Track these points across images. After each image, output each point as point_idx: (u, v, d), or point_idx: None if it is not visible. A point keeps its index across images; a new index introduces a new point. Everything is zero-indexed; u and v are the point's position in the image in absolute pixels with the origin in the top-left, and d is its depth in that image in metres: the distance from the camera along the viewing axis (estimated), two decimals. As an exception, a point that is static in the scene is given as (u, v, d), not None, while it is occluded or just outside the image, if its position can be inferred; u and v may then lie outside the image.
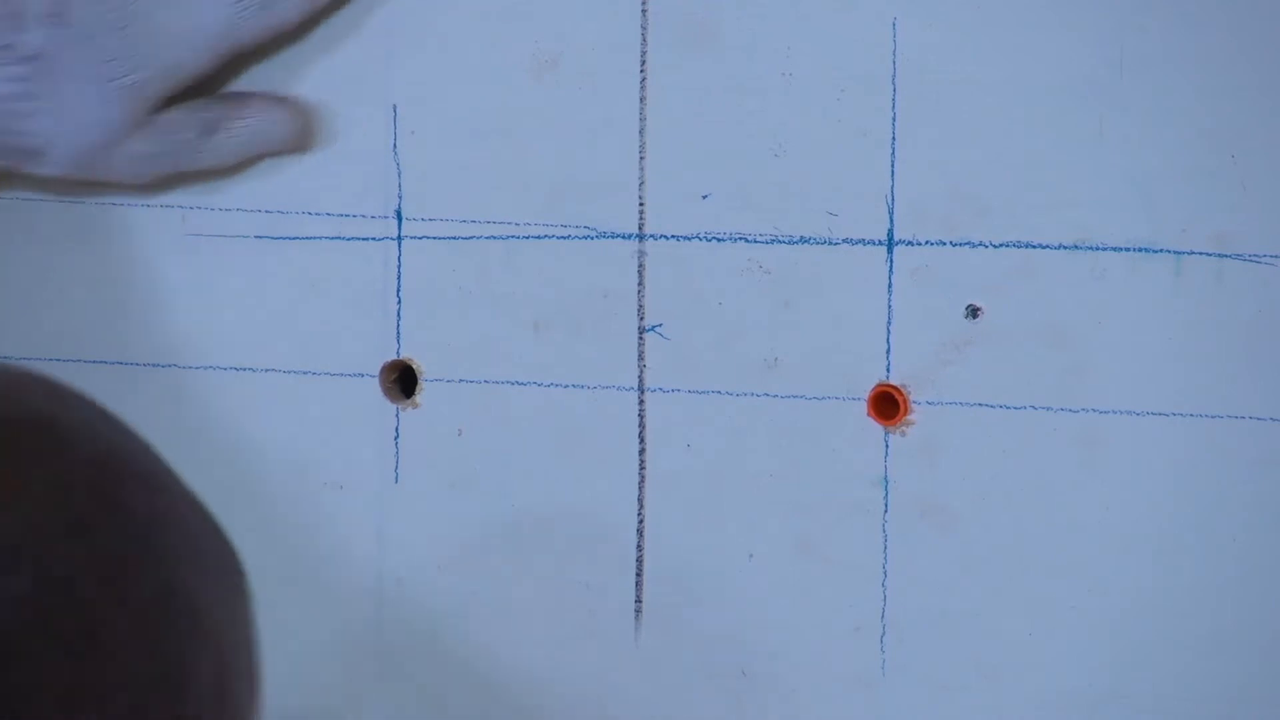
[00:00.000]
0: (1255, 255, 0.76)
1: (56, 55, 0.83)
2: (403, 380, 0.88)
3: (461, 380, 0.86)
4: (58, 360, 0.92)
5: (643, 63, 0.83)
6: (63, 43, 0.83)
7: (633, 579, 0.86)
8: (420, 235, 0.87)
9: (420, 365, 0.87)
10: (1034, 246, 0.79)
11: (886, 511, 0.82)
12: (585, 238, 0.85)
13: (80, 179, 0.88)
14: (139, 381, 0.91)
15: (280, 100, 0.87)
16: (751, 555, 0.84)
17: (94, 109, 0.84)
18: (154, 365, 0.91)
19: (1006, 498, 0.80)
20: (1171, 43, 0.76)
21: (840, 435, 0.82)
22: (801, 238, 0.82)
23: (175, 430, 0.91)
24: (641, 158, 0.84)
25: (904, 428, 0.81)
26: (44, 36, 0.83)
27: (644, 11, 0.83)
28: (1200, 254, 0.77)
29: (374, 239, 0.88)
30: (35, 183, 0.90)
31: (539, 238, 0.85)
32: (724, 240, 0.83)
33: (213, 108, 0.87)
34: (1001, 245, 0.79)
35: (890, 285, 0.81)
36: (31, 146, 0.85)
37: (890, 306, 0.81)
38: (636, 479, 0.85)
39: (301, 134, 0.88)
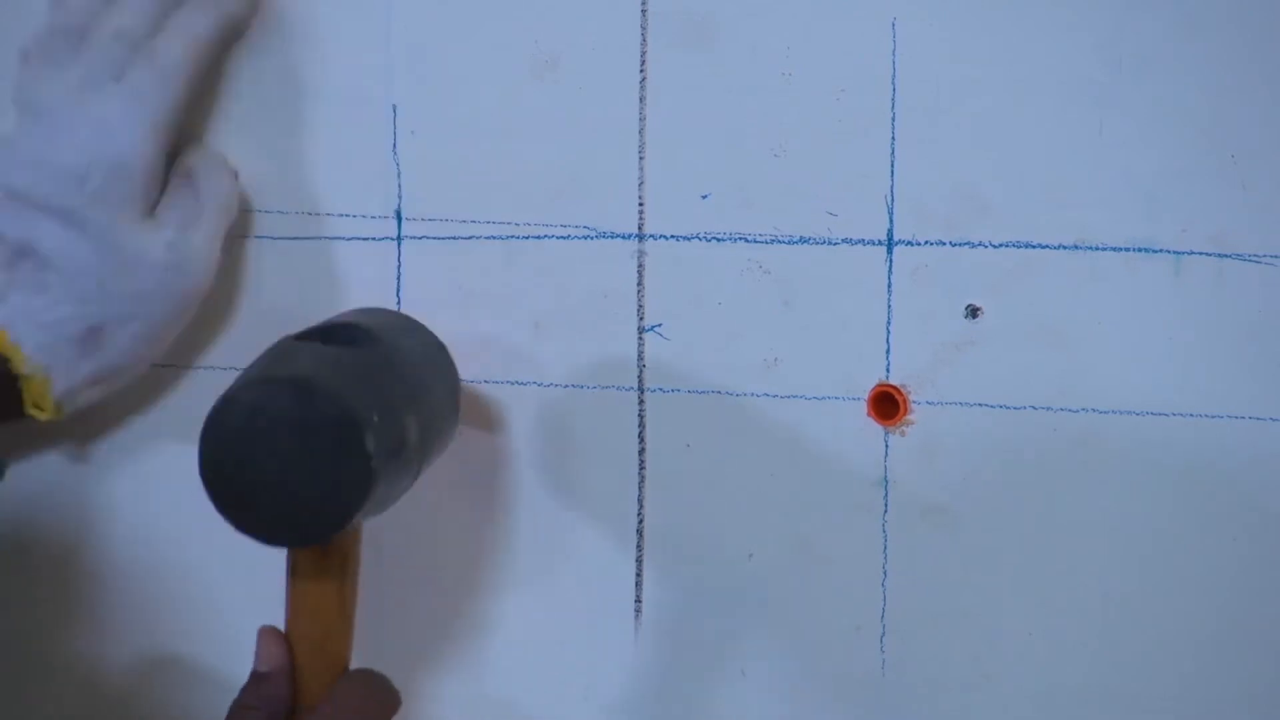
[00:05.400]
0: (1255, 255, 0.76)
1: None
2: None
3: (461, 380, 0.86)
4: (58, 360, 0.92)
5: (643, 63, 0.83)
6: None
7: (633, 579, 0.86)
8: (420, 235, 0.87)
9: (420, 365, 0.87)
10: (1034, 246, 0.79)
11: (886, 511, 0.82)
12: (585, 238, 0.85)
13: (164, 318, 0.87)
14: (139, 381, 0.91)
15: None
16: (751, 555, 0.84)
17: (82, 249, 0.84)
18: (154, 365, 0.90)
19: (1006, 498, 0.80)
20: (1171, 43, 0.76)
21: (840, 435, 0.82)
22: (801, 238, 0.82)
23: (176, 430, 0.91)
24: (641, 158, 0.84)
25: (904, 428, 0.81)
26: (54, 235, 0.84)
27: (644, 11, 0.83)
28: (1200, 254, 0.77)
29: (374, 239, 0.88)
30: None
31: (539, 238, 0.85)
32: (724, 240, 0.83)
33: (176, 169, 0.87)
34: (1001, 245, 0.79)
35: (890, 285, 0.81)
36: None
37: (890, 306, 0.81)
38: (636, 479, 0.85)
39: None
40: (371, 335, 0.79)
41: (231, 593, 0.91)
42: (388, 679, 0.78)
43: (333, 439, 0.73)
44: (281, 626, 0.78)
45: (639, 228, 0.84)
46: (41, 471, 0.94)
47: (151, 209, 0.86)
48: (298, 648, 0.78)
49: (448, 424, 0.82)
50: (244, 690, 0.77)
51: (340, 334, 0.79)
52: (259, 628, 0.78)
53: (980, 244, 0.79)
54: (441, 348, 0.83)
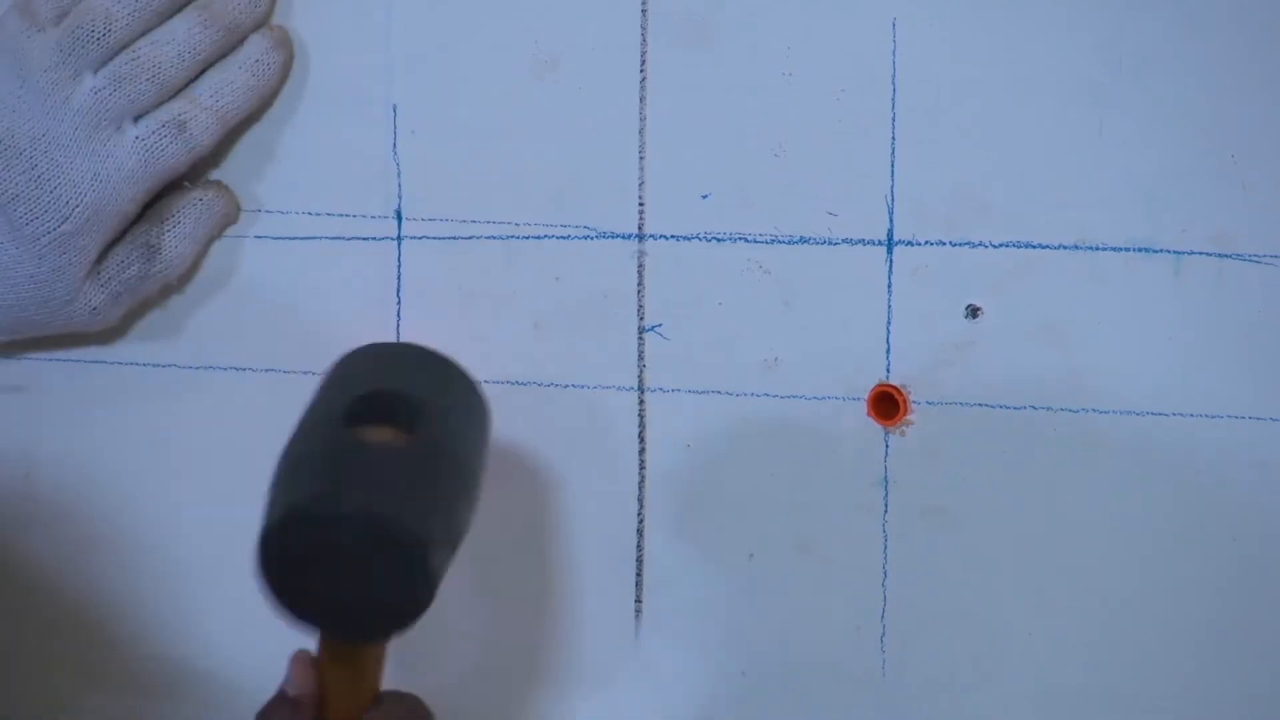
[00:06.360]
0: (1255, 255, 0.76)
1: None
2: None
3: (462, 380, 0.86)
4: (59, 360, 0.92)
5: (643, 63, 0.83)
6: None
7: (633, 579, 0.86)
8: (420, 235, 0.87)
9: (420, 365, 0.87)
10: (1034, 246, 0.79)
11: (886, 511, 0.82)
12: (585, 238, 0.85)
13: (35, 336, 0.88)
14: (139, 381, 0.91)
15: (205, 185, 0.87)
16: (751, 555, 0.84)
17: (24, 267, 0.83)
18: (154, 365, 0.91)
19: (1006, 498, 0.80)
20: (1171, 43, 0.76)
21: (840, 435, 0.82)
22: (801, 238, 0.82)
23: (176, 430, 0.91)
24: (641, 158, 0.84)
25: (904, 428, 0.81)
26: None
27: (644, 11, 0.83)
28: (1200, 254, 0.77)
29: (374, 239, 0.88)
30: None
31: (539, 238, 0.85)
32: (724, 240, 0.83)
33: (145, 229, 0.86)
34: (1001, 245, 0.79)
35: (890, 285, 0.81)
36: None
37: (890, 306, 0.81)
38: (636, 479, 0.85)
39: (231, 199, 0.88)
40: (423, 412, 0.76)
41: (235, 596, 0.91)
42: (422, 704, 0.78)
43: (399, 563, 0.72)
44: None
45: (639, 228, 0.84)
46: (39, 471, 0.94)
47: (102, 255, 0.85)
48: (329, 685, 0.77)
49: (484, 472, 0.80)
50: (271, 707, 0.76)
51: (393, 411, 0.76)
52: (294, 652, 0.77)
53: (980, 244, 0.79)
54: (474, 387, 0.80)
